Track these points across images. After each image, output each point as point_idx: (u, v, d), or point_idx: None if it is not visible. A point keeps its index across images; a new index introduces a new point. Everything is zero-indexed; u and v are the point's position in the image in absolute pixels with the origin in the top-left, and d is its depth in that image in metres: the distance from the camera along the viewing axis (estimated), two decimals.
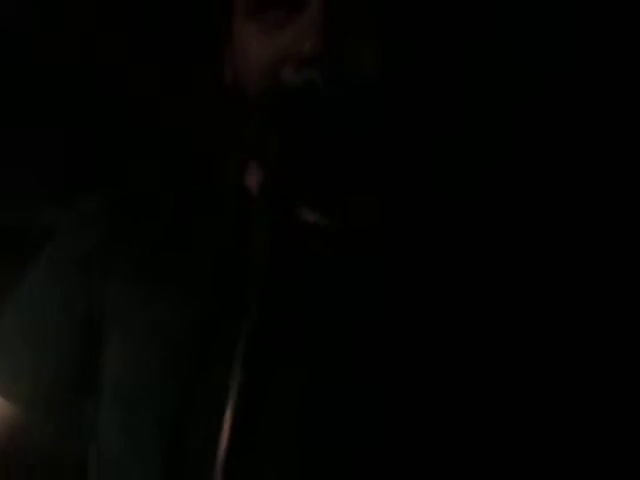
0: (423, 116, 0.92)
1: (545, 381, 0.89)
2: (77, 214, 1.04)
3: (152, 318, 0.94)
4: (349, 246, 0.94)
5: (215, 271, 0.95)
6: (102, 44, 1.92)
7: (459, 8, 0.94)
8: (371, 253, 0.94)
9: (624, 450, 0.90)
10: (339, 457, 0.86)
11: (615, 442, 0.90)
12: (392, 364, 0.88)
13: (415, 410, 0.87)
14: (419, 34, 0.89)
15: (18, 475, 1.02)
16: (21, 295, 1.03)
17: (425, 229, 0.97)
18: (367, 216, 0.95)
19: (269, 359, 0.75)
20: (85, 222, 1.02)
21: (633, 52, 1.32)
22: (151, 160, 1.43)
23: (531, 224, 1.01)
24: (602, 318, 0.93)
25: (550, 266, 0.95)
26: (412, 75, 0.89)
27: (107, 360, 0.97)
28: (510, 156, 1.27)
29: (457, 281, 0.93)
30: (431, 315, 0.90)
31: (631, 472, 0.89)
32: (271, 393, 0.84)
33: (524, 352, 0.90)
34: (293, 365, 0.88)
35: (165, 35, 1.76)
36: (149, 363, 0.93)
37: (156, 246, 0.98)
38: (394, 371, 0.88)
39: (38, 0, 1.86)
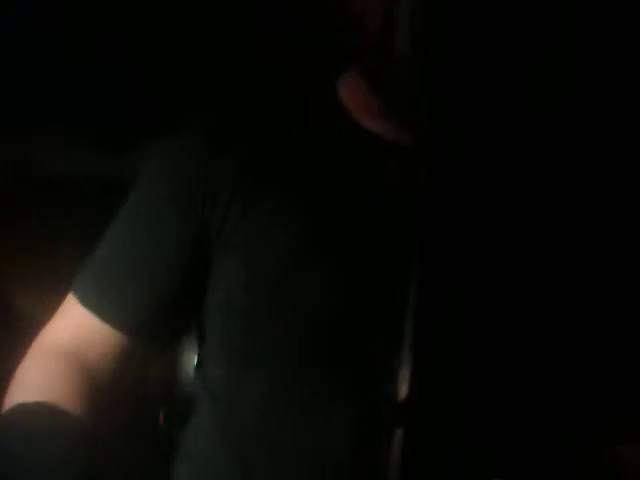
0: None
1: None
2: (178, 146, 1.01)
3: (265, 231, 0.94)
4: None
5: (330, 187, 0.95)
6: None
7: None
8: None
9: None
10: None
11: None
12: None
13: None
14: None
15: (125, 403, 1.02)
16: (123, 215, 1.01)
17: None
18: None
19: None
20: (186, 147, 1.00)
21: None
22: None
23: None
24: None
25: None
26: None
27: (216, 280, 0.97)
28: None
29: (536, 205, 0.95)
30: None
31: None
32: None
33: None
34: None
35: None
36: (266, 276, 0.93)
37: (260, 162, 0.97)
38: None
39: None
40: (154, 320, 0.99)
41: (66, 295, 1.02)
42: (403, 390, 0.72)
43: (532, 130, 0.99)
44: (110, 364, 0.99)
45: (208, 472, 0.98)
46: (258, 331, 0.93)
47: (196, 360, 1.04)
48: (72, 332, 0.99)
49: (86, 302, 0.99)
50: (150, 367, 1.05)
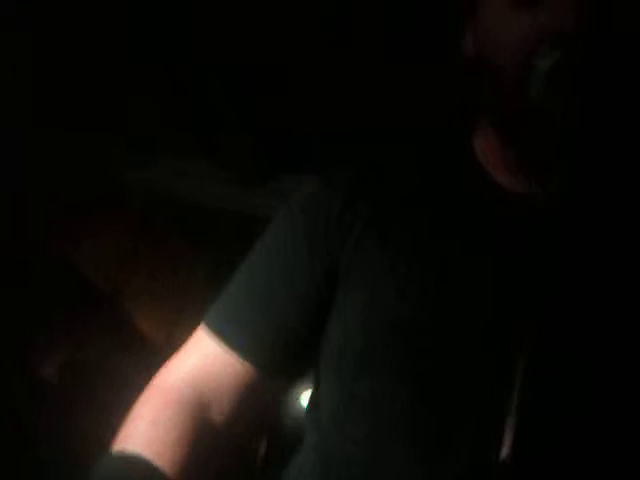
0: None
1: None
2: (324, 181, 1.04)
3: (391, 277, 0.94)
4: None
5: (463, 245, 0.94)
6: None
7: None
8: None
9: None
10: None
11: None
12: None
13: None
14: None
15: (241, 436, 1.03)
16: (257, 252, 1.04)
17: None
18: None
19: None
20: (329, 188, 1.03)
21: None
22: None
23: None
24: None
25: None
26: None
27: (337, 319, 0.98)
28: None
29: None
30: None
31: None
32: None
33: None
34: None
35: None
36: (385, 320, 0.93)
37: (395, 210, 0.98)
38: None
39: None
40: (280, 354, 1.00)
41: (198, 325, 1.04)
42: (505, 453, 0.71)
43: None
44: (231, 400, 1.00)
45: None
46: (368, 375, 0.93)
47: (308, 400, 1.05)
48: (197, 366, 1.01)
49: (216, 329, 1.01)
50: (272, 403, 1.06)
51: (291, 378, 1.04)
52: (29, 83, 2.67)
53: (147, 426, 0.97)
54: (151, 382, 1.03)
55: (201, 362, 1.01)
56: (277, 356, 1.00)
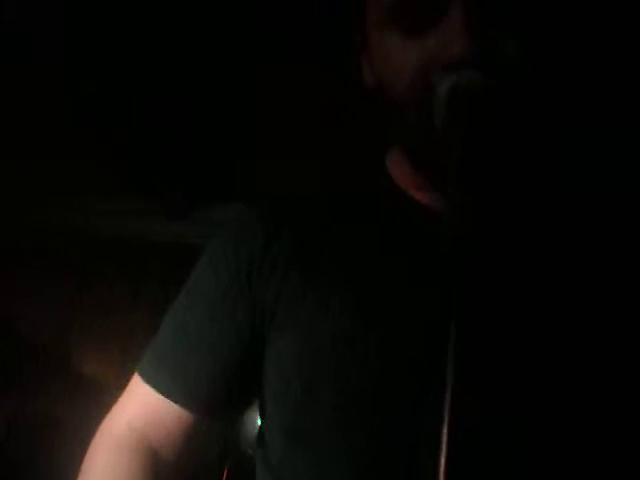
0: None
1: None
2: (236, 223, 1.05)
3: (319, 312, 0.95)
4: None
5: (387, 264, 0.95)
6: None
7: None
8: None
9: None
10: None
11: None
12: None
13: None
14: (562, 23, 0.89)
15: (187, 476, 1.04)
16: (183, 299, 1.05)
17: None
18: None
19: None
20: (242, 226, 1.04)
21: None
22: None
23: None
24: None
25: None
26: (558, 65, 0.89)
27: (270, 358, 0.99)
28: None
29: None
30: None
31: None
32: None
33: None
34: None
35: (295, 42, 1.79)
36: (317, 357, 0.94)
37: (317, 242, 0.99)
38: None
39: None
40: (217, 397, 1.01)
41: (135, 365, 1.05)
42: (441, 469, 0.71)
43: (571, 203, 1.00)
44: (177, 442, 1.02)
45: None
46: (306, 410, 0.94)
47: (257, 434, 1.06)
48: (139, 413, 1.03)
49: (149, 378, 1.03)
50: (216, 442, 1.07)
51: (234, 413, 1.06)
52: None
53: (101, 473, 0.98)
54: (99, 430, 1.05)
55: (141, 409, 1.03)
56: (213, 398, 1.01)
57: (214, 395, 1.01)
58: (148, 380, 1.03)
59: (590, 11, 0.93)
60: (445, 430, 0.70)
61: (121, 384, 1.06)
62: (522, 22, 0.87)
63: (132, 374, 1.07)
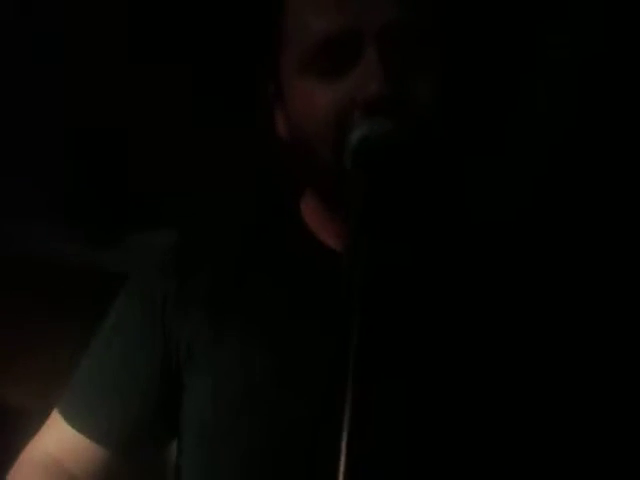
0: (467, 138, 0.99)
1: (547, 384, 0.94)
2: (152, 262, 1.07)
3: (232, 354, 0.97)
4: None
5: (296, 309, 0.98)
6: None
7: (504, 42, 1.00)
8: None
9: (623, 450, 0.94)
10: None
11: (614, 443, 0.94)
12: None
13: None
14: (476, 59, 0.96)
15: None
16: (100, 340, 1.07)
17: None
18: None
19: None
20: (156, 268, 1.06)
21: None
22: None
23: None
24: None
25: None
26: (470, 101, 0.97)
27: (186, 399, 1.01)
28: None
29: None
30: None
31: (631, 472, 0.93)
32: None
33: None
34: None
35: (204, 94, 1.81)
36: (232, 400, 0.96)
37: (229, 285, 1.01)
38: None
39: None
40: (133, 436, 1.04)
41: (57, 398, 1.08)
42: None
43: (479, 237, 1.03)
44: (92, 475, 1.04)
45: None
46: (214, 457, 0.97)
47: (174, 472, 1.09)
48: (57, 446, 1.05)
49: (67, 416, 1.06)
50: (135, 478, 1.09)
51: (149, 452, 1.08)
52: None
53: None
54: (19, 459, 1.07)
55: (60, 444, 1.06)
56: (126, 437, 1.04)
57: (128, 434, 1.04)
58: (66, 416, 1.05)
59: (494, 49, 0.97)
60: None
61: (43, 418, 1.09)
62: (434, 62, 0.92)
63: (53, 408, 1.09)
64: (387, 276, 0.89)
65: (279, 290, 1.01)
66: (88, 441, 1.04)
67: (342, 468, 0.72)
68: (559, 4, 1.32)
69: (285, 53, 0.96)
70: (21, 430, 1.10)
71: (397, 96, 0.88)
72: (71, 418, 1.05)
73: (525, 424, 0.92)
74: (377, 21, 0.89)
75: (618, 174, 1.41)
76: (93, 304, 1.11)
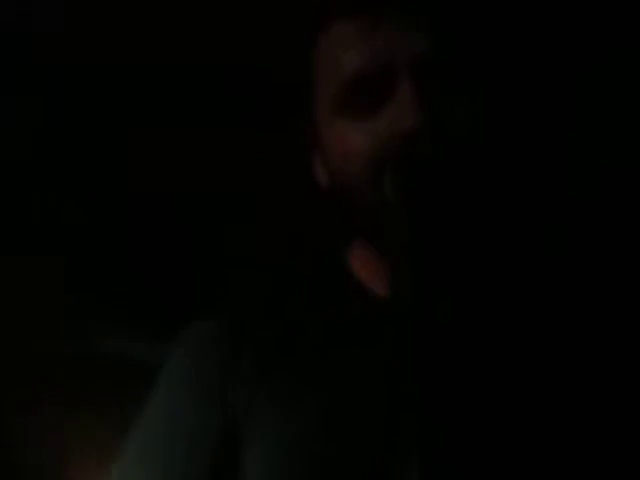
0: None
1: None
2: (199, 336, 1.03)
3: (293, 433, 0.92)
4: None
5: (356, 381, 0.93)
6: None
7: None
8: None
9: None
10: None
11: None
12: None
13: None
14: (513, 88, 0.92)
15: None
16: (153, 410, 1.02)
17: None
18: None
19: None
20: (208, 342, 1.01)
21: None
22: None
23: None
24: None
25: None
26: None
27: (247, 469, 0.94)
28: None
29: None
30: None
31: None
32: None
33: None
34: None
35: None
36: (287, 462, 0.91)
37: (279, 348, 0.97)
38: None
39: None
40: None
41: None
42: None
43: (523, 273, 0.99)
44: None
45: None
46: None
47: None
48: None
49: None
50: None
51: None
52: None
53: None
54: None
55: None
56: None
57: None
58: None
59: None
60: None
61: None
62: (471, 86, 0.89)
63: None
64: (438, 319, 0.85)
65: (331, 347, 0.96)
66: None
67: None
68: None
69: (320, 96, 0.95)
70: None
71: (432, 126, 0.85)
72: None
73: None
74: (409, 53, 0.88)
75: None
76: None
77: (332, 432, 0.91)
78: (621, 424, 0.88)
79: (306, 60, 0.97)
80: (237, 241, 2.07)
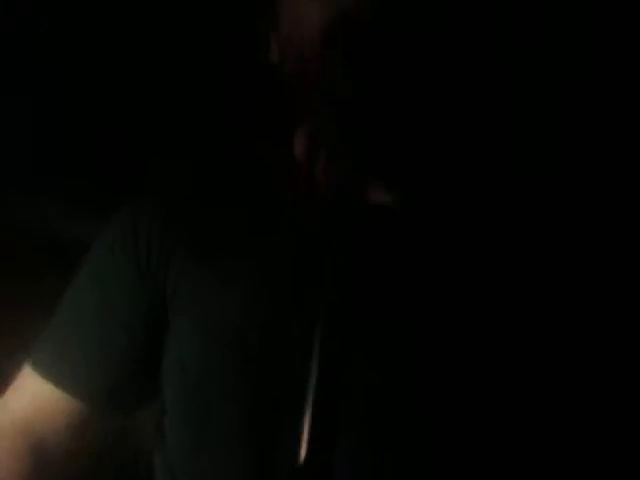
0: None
1: (548, 381, 0.89)
2: (132, 213, 1.01)
3: (215, 294, 0.93)
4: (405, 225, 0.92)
5: (282, 259, 0.93)
6: None
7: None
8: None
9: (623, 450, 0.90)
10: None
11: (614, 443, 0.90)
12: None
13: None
14: None
15: (83, 472, 1.01)
16: (77, 286, 1.01)
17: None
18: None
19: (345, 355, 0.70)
20: (141, 213, 1.00)
21: None
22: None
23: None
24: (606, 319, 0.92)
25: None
26: None
27: (170, 344, 0.96)
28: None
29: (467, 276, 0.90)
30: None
31: (631, 472, 0.89)
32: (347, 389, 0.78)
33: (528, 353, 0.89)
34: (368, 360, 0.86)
35: None
36: (216, 340, 0.92)
37: (214, 227, 0.97)
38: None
39: None
40: (110, 386, 0.98)
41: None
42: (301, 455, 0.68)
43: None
44: (65, 434, 0.99)
45: None
46: (202, 394, 0.93)
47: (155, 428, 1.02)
48: (26, 403, 0.99)
49: (41, 369, 0.99)
50: (109, 435, 1.04)
51: (129, 406, 1.02)
52: None
53: None
54: None
55: (31, 403, 0.99)
56: (106, 389, 0.98)
57: (109, 385, 0.98)
58: (40, 369, 0.99)
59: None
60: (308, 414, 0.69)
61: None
62: None
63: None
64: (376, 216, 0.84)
65: (263, 224, 0.96)
66: (64, 395, 0.98)
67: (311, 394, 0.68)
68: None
69: None
70: None
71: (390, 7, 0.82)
72: (45, 370, 0.99)
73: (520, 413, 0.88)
74: None
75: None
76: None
77: (251, 311, 0.91)
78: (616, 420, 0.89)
79: None
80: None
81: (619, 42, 1.33)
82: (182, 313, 0.95)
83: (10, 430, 0.98)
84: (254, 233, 0.95)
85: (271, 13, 0.95)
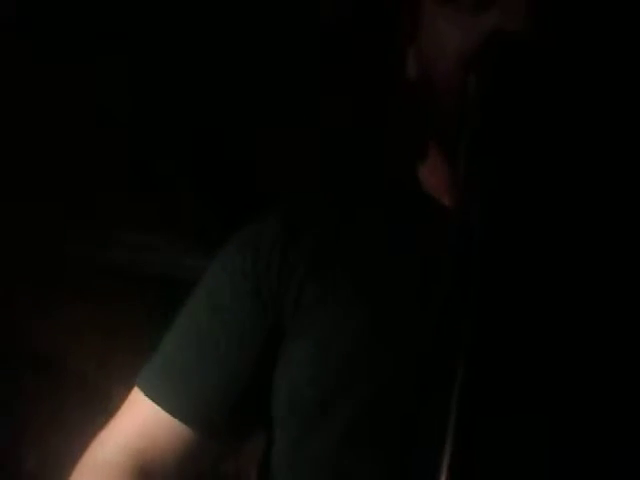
0: None
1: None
2: (250, 230, 0.99)
3: (335, 315, 0.90)
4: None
5: (412, 283, 0.89)
6: None
7: None
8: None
9: None
10: None
11: None
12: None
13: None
14: None
15: None
16: (192, 308, 0.99)
17: None
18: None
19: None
20: (259, 235, 0.98)
21: None
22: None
23: None
24: None
25: None
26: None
27: (281, 375, 0.92)
28: None
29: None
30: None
31: None
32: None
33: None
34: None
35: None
36: (331, 365, 0.88)
37: (335, 243, 0.94)
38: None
39: None
40: (224, 413, 0.95)
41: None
42: None
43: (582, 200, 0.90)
44: (175, 462, 0.96)
45: None
46: (318, 426, 0.89)
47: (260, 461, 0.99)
48: (136, 431, 0.97)
49: (152, 393, 0.96)
50: (219, 464, 1.02)
51: (237, 436, 0.99)
52: None
53: None
54: (84, 457, 0.98)
55: (139, 429, 0.96)
56: (219, 416, 0.95)
57: (220, 413, 0.95)
58: (150, 394, 0.96)
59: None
60: (450, 436, 0.66)
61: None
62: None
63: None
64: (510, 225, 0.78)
65: (389, 249, 0.93)
66: (175, 422, 0.95)
67: (450, 440, 0.65)
68: None
69: None
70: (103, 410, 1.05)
71: (539, 35, 0.78)
72: (157, 394, 0.96)
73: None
74: None
75: None
76: None
77: (381, 333, 0.88)
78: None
79: None
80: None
81: None
82: (301, 336, 0.91)
83: (121, 459, 0.96)
84: (381, 255, 0.92)
85: (411, 28, 0.93)
